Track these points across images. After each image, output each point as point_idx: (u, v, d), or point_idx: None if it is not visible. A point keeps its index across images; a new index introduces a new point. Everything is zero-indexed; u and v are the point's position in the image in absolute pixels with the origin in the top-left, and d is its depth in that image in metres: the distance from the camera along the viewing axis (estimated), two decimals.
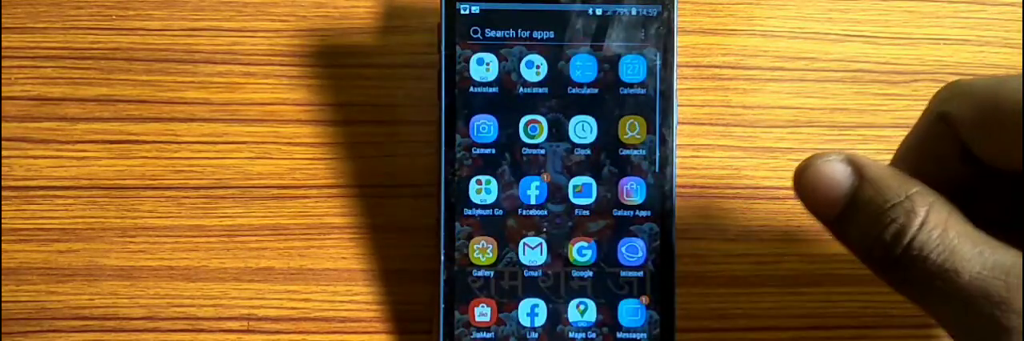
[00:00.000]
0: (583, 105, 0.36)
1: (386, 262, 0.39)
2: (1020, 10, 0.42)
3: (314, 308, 0.39)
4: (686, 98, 0.40)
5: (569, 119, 0.36)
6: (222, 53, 0.40)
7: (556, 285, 0.36)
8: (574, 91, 0.36)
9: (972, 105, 0.27)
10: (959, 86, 0.28)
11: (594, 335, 0.36)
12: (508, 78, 0.36)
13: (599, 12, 0.36)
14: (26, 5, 0.40)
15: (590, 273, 0.36)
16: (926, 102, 0.41)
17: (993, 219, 0.27)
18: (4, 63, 0.39)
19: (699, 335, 0.39)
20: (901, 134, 0.40)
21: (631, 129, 0.36)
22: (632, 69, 0.36)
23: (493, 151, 0.36)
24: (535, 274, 0.36)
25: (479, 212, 0.36)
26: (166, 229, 0.39)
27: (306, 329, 0.38)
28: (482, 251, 0.36)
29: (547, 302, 0.36)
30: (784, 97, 0.41)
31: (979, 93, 0.27)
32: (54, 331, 0.38)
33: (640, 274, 0.36)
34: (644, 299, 0.36)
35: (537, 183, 0.36)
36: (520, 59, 0.36)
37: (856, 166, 0.28)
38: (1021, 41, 0.42)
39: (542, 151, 0.36)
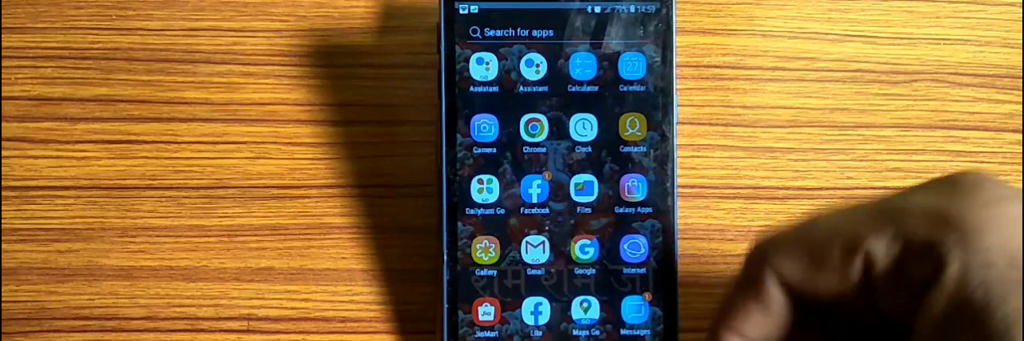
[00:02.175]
0: (583, 103, 0.36)
1: (386, 262, 0.39)
2: (1020, 10, 0.42)
3: (314, 308, 0.38)
4: (686, 98, 0.40)
5: (569, 117, 0.36)
6: (222, 53, 0.40)
7: (559, 283, 0.36)
8: (574, 89, 0.36)
9: (794, 256, 0.27)
10: (770, 238, 0.28)
11: (598, 332, 0.36)
12: (508, 77, 0.36)
13: (598, 10, 0.36)
14: (26, 5, 0.40)
15: (593, 271, 0.36)
16: (926, 102, 0.41)
17: None
18: (4, 63, 0.39)
19: (699, 335, 0.38)
20: (901, 134, 0.40)
21: (631, 126, 0.36)
22: (631, 66, 0.36)
23: (494, 150, 0.36)
24: (538, 272, 0.36)
25: (481, 211, 0.36)
26: (166, 229, 0.39)
27: (306, 329, 0.38)
28: (485, 250, 0.36)
29: (550, 300, 0.36)
30: (784, 97, 0.41)
31: (794, 242, 0.27)
32: (54, 331, 0.38)
33: (643, 271, 0.36)
34: (647, 296, 0.36)
35: (539, 181, 0.36)
36: (520, 58, 0.36)
37: None
38: (1021, 41, 0.42)
39: (543, 149, 0.36)
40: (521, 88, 0.36)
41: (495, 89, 0.36)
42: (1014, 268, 0.22)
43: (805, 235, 0.26)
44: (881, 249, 0.24)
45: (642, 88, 0.36)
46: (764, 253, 0.27)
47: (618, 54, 0.36)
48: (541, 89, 0.36)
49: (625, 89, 0.36)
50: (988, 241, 0.22)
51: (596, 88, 0.36)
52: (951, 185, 0.24)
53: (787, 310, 0.28)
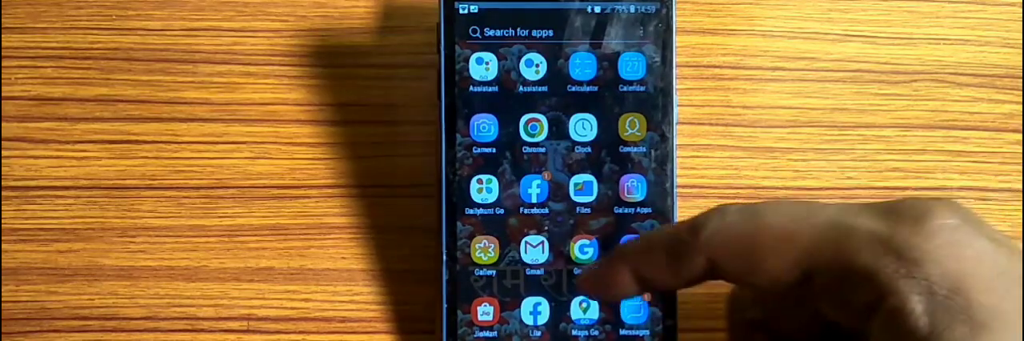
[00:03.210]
0: (583, 103, 0.36)
1: (386, 262, 0.39)
2: (1020, 10, 0.42)
3: (314, 308, 0.38)
4: (686, 98, 0.40)
5: (569, 117, 0.36)
6: (222, 53, 0.40)
7: (558, 283, 0.36)
8: (574, 89, 0.36)
9: (730, 249, 0.27)
10: (718, 232, 0.28)
11: (597, 333, 0.36)
12: (508, 77, 0.36)
13: (598, 10, 0.36)
14: (26, 5, 0.40)
15: None
16: (926, 102, 0.41)
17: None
18: (4, 63, 0.39)
19: (699, 335, 0.39)
20: (901, 134, 0.41)
21: (631, 126, 0.36)
22: (631, 66, 0.36)
23: (494, 150, 0.36)
24: (537, 272, 0.36)
25: (480, 211, 0.36)
26: (166, 229, 0.39)
27: (306, 329, 0.38)
28: (484, 250, 0.36)
29: (550, 300, 0.36)
30: (784, 97, 0.41)
31: (735, 235, 0.27)
32: (54, 331, 0.38)
33: None
34: (646, 296, 0.35)
35: (538, 181, 0.36)
36: (519, 58, 0.36)
37: None
38: (1021, 41, 0.42)
39: (543, 150, 0.36)
40: (521, 88, 0.36)
41: (495, 89, 0.36)
42: (956, 297, 0.22)
43: (753, 234, 0.26)
44: (823, 269, 0.25)
45: (642, 88, 0.36)
46: (708, 233, 0.27)
47: (618, 54, 0.36)
48: (541, 89, 0.36)
49: (625, 89, 0.36)
50: (930, 270, 0.23)
51: (596, 88, 0.36)
52: (900, 211, 0.24)
53: (700, 279, 0.28)
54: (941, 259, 0.23)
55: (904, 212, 0.24)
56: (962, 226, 0.24)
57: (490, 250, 0.36)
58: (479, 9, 0.36)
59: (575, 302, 0.36)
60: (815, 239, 0.25)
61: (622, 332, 0.35)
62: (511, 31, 0.36)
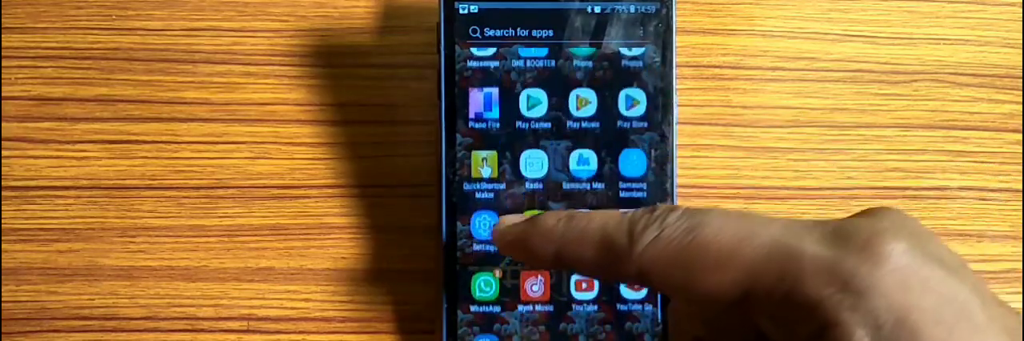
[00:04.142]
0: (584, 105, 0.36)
1: (386, 262, 0.39)
2: (1020, 10, 0.42)
3: (314, 308, 0.38)
4: (686, 98, 0.40)
5: (569, 116, 0.36)
6: (222, 53, 0.40)
7: (558, 283, 0.36)
8: (574, 87, 0.36)
9: (680, 266, 0.25)
10: (652, 246, 0.26)
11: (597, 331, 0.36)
12: (508, 77, 0.36)
13: (598, 10, 0.36)
14: (26, 5, 0.40)
15: None
16: (926, 102, 0.41)
17: None
18: (4, 63, 0.39)
19: None
20: (901, 134, 0.40)
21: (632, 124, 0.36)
22: (632, 66, 0.36)
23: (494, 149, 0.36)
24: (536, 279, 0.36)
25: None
26: (166, 229, 0.39)
27: (306, 329, 0.38)
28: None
29: (550, 302, 0.36)
30: (784, 97, 0.41)
31: (673, 251, 0.25)
32: (54, 331, 0.38)
33: None
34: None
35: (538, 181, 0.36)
36: (519, 58, 0.36)
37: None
38: (1021, 41, 0.42)
39: (543, 148, 0.36)
40: (521, 89, 0.36)
41: (495, 89, 0.36)
42: (902, 330, 0.22)
43: (690, 251, 0.24)
44: (763, 293, 0.23)
45: (642, 88, 0.36)
46: (641, 247, 0.25)
47: (618, 54, 0.36)
48: (541, 91, 0.36)
49: (625, 88, 0.36)
50: (876, 302, 0.22)
51: (595, 90, 0.36)
52: (846, 235, 0.23)
53: (632, 283, 0.27)
54: (887, 290, 0.22)
55: (851, 236, 0.23)
56: (911, 251, 0.22)
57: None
58: (479, 9, 0.36)
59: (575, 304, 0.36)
60: (757, 262, 0.23)
61: (624, 325, 0.36)
62: (511, 31, 0.36)
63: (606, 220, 0.26)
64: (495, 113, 0.36)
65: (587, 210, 0.27)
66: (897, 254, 0.22)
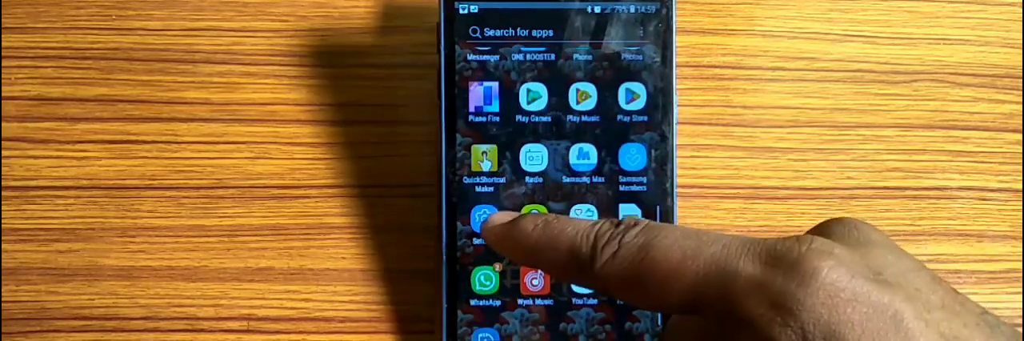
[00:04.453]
0: (583, 102, 0.36)
1: (386, 262, 0.39)
2: (1020, 10, 0.42)
3: (314, 308, 0.38)
4: (686, 98, 0.40)
5: (569, 117, 0.36)
6: (222, 53, 0.40)
7: (558, 283, 0.36)
8: (574, 87, 0.36)
9: (630, 280, 0.26)
10: (607, 259, 0.27)
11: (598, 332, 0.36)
12: (508, 77, 0.36)
13: (598, 10, 0.36)
14: (26, 5, 0.40)
15: None
16: (926, 102, 0.41)
17: None
18: (4, 63, 0.39)
19: None
20: (901, 134, 0.41)
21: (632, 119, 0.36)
22: (632, 66, 0.36)
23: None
24: (536, 273, 0.36)
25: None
26: (166, 229, 0.39)
27: (306, 329, 0.38)
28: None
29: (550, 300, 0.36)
30: (784, 97, 0.41)
31: (629, 268, 0.26)
32: (54, 331, 0.38)
33: None
34: None
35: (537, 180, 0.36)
36: (520, 58, 0.36)
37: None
38: (1021, 41, 0.42)
39: (542, 148, 0.36)
40: (521, 88, 0.36)
41: (495, 89, 0.36)
42: None
43: (641, 270, 0.26)
44: (707, 308, 0.25)
45: (642, 88, 0.36)
46: (599, 265, 0.26)
47: (618, 54, 0.36)
48: (541, 90, 0.36)
49: (626, 90, 0.36)
50: (805, 318, 0.23)
51: (595, 86, 0.36)
52: (777, 255, 0.24)
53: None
54: (815, 306, 0.23)
55: (783, 255, 0.24)
56: (838, 268, 0.23)
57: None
58: (479, 9, 0.36)
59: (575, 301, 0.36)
60: (699, 279, 0.24)
61: (625, 324, 0.36)
62: (511, 31, 0.36)
63: (577, 231, 0.27)
64: (495, 107, 0.36)
65: (565, 217, 0.27)
66: (824, 271, 0.23)
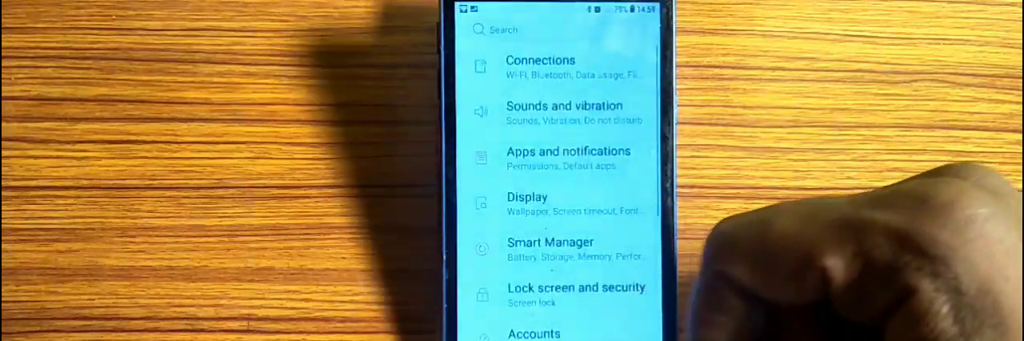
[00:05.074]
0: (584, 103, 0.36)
1: (386, 262, 0.39)
2: (1020, 10, 0.42)
3: (314, 308, 0.38)
4: (686, 98, 0.40)
5: (569, 116, 0.36)
6: (222, 53, 0.40)
7: None
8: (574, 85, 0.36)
9: (746, 264, 0.25)
10: (723, 239, 0.26)
11: None
12: (507, 77, 0.36)
13: (598, 9, 0.36)
14: (26, 5, 0.40)
15: None
16: (926, 102, 0.41)
17: None
18: (4, 63, 0.39)
19: None
20: (901, 134, 0.40)
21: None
22: (632, 66, 0.36)
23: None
24: None
25: None
26: (166, 229, 0.39)
27: (306, 329, 0.38)
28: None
29: None
30: (784, 97, 0.41)
31: (746, 248, 0.25)
32: (54, 331, 0.38)
33: None
34: None
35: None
36: (519, 57, 0.36)
37: None
38: (1021, 41, 0.42)
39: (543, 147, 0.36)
40: (520, 88, 0.36)
41: (494, 89, 0.36)
42: (986, 298, 0.21)
43: (759, 243, 0.24)
44: (839, 268, 0.23)
45: (642, 88, 0.36)
46: (717, 257, 0.25)
47: (618, 54, 0.36)
48: (541, 89, 0.36)
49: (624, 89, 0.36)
50: (958, 268, 0.21)
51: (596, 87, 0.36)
52: (921, 201, 0.22)
53: (751, 311, 0.26)
54: (970, 256, 0.21)
55: (926, 199, 0.22)
56: (994, 217, 0.21)
57: None
58: (479, 9, 0.36)
59: None
60: (830, 239, 0.23)
61: None
62: (511, 31, 0.36)
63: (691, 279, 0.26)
64: (495, 107, 0.36)
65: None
66: (981, 220, 0.21)
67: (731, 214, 0.39)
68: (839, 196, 0.24)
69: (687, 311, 0.27)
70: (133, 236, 0.39)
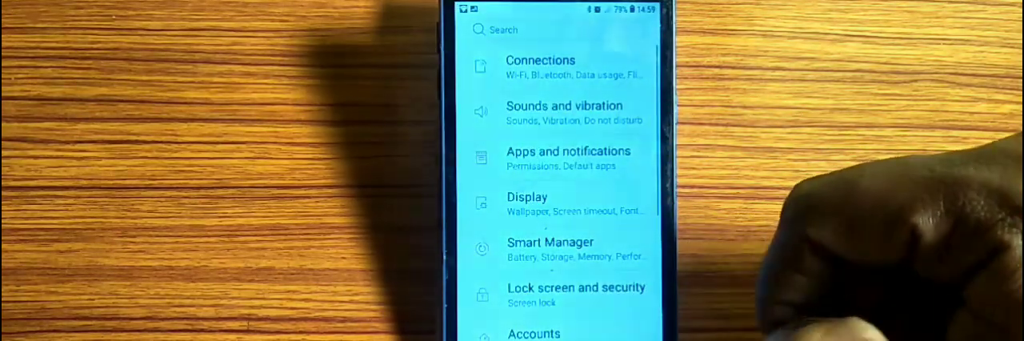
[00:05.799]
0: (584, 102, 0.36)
1: (386, 262, 0.39)
2: (1020, 10, 0.42)
3: (314, 308, 0.38)
4: (686, 98, 0.40)
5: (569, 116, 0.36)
6: (222, 53, 0.40)
7: None
8: (575, 86, 0.36)
9: (832, 225, 0.25)
10: (807, 200, 0.26)
11: None
12: (507, 77, 0.36)
13: (598, 9, 0.36)
14: (26, 5, 0.40)
15: None
16: (926, 102, 0.41)
17: (867, 307, 0.26)
18: (4, 63, 0.39)
19: (699, 335, 0.39)
20: (901, 134, 0.40)
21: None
22: (632, 66, 0.36)
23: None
24: None
25: None
26: (166, 229, 0.39)
27: (306, 329, 0.38)
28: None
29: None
30: (784, 97, 0.41)
31: (831, 209, 0.25)
32: (54, 331, 0.38)
33: None
34: None
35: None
36: (519, 57, 0.36)
37: None
38: (1021, 41, 0.42)
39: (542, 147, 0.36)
40: (520, 87, 0.36)
41: (494, 88, 0.36)
42: None
43: (845, 203, 0.24)
44: (929, 226, 0.23)
45: (642, 88, 0.36)
46: (801, 219, 0.26)
47: (618, 54, 0.36)
48: (541, 89, 0.36)
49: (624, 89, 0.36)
50: None
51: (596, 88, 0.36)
52: (1015, 158, 0.22)
53: (829, 272, 0.26)
54: None
55: (1020, 158, 0.22)
56: None
57: None
58: (479, 9, 0.36)
59: None
60: (921, 196, 0.22)
61: None
62: (511, 31, 0.36)
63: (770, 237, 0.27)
64: (495, 107, 0.36)
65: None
66: None
67: (731, 214, 0.39)
68: (920, 155, 0.24)
69: (759, 272, 0.28)
70: (133, 236, 0.39)
